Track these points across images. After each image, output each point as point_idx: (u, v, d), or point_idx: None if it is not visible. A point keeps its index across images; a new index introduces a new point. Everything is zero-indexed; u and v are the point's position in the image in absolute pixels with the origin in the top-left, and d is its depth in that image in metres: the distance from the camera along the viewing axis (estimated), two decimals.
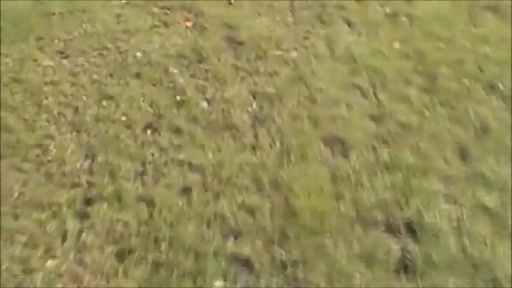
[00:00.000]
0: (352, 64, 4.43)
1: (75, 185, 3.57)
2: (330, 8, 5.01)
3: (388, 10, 5.02)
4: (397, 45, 4.64)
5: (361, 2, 5.08)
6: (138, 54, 4.53)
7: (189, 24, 4.87)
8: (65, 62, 4.49)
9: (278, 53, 4.55)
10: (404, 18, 4.94)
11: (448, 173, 3.67)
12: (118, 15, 4.95)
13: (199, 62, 4.45)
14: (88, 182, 3.57)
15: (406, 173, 3.64)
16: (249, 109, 4.06)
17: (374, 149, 3.80)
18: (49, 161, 3.72)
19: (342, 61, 4.47)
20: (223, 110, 4.05)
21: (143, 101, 4.11)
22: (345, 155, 3.77)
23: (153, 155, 3.74)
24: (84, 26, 4.82)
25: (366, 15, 4.96)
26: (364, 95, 4.18)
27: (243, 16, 4.91)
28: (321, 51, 4.57)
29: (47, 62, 4.48)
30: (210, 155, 3.73)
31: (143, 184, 3.57)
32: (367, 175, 3.64)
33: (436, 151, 3.80)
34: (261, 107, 4.07)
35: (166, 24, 4.86)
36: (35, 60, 4.48)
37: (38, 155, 3.76)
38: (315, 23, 4.87)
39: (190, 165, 3.68)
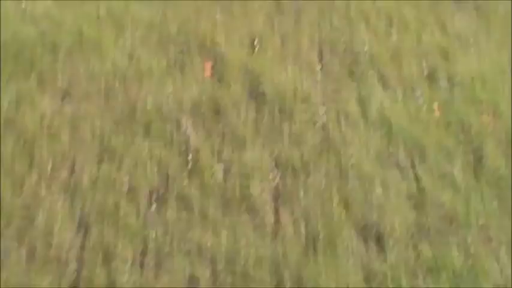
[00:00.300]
0: (388, 132, 3.60)
1: (60, 272, 2.74)
2: (362, 61, 4.18)
3: (425, 67, 4.19)
4: (436, 110, 3.82)
5: (396, 56, 4.24)
6: (149, 102, 3.71)
7: (207, 68, 4.04)
8: (66, 106, 3.66)
9: (305, 112, 3.72)
10: (442, 78, 4.11)
11: (502, 280, 2.85)
12: (130, 54, 4.11)
13: (217, 117, 3.62)
14: (76, 270, 2.74)
15: (453, 278, 2.82)
16: (271, 182, 3.24)
17: (414, 243, 2.97)
18: (33, 233, 2.90)
19: (376, 127, 3.63)
20: (240, 181, 3.22)
21: (150, 163, 3.29)
22: (380, 249, 2.94)
23: (156, 235, 2.92)
24: (91, 63, 3.99)
25: (401, 71, 4.13)
26: (402, 172, 3.35)
27: (267, 64, 4.07)
28: (352, 112, 3.74)
29: (47, 105, 3.65)
30: (224, 240, 2.90)
31: (141, 276, 2.74)
32: (407, 279, 2.81)
33: (487, 250, 2.97)
34: (284, 181, 3.24)
35: (182, 68, 4.02)
36: (33, 102, 3.66)
37: (21, 223, 2.95)
38: (346, 78, 4.04)
39: (199, 251, 2.85)
